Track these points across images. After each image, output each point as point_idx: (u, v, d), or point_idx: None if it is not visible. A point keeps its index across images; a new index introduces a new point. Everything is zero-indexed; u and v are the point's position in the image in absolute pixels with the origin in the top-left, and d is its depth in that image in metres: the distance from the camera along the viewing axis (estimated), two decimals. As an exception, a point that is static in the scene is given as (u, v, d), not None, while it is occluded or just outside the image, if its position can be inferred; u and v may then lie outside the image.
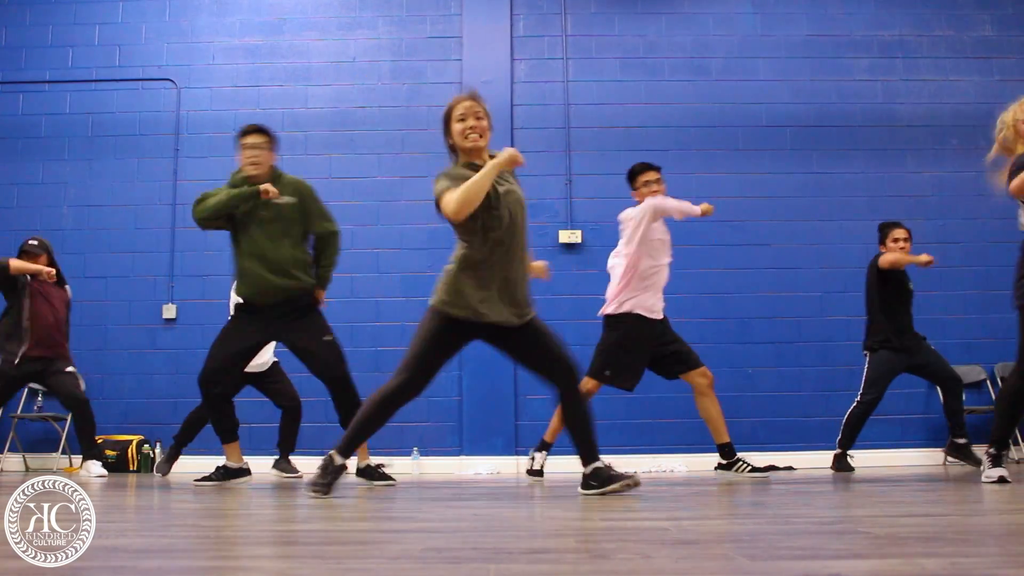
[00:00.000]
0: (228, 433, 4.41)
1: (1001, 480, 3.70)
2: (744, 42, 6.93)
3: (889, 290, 5.44)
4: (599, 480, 3.33)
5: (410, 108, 6.85)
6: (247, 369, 4.65)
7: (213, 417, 4.40)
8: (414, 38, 6.95)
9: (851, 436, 5.48)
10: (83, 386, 5.56)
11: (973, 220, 6.43)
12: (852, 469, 5.43)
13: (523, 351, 3.38)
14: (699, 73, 6.87)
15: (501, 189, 3.29)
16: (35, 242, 5.53)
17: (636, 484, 3.36)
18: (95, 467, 5.38)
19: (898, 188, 6.70)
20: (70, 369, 5.47)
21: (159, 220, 6.73)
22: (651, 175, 4.78)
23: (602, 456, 3.39)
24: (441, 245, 6.62)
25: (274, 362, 5.45)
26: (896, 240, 5.53)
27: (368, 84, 6.91)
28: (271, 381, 5.41)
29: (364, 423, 3.27)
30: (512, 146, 6.66)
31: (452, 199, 3.14)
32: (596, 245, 6.49)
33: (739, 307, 6.51)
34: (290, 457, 5.41)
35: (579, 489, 3.38)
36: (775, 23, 6.95)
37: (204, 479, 4.47)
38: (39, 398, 6.36)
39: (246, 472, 4.53)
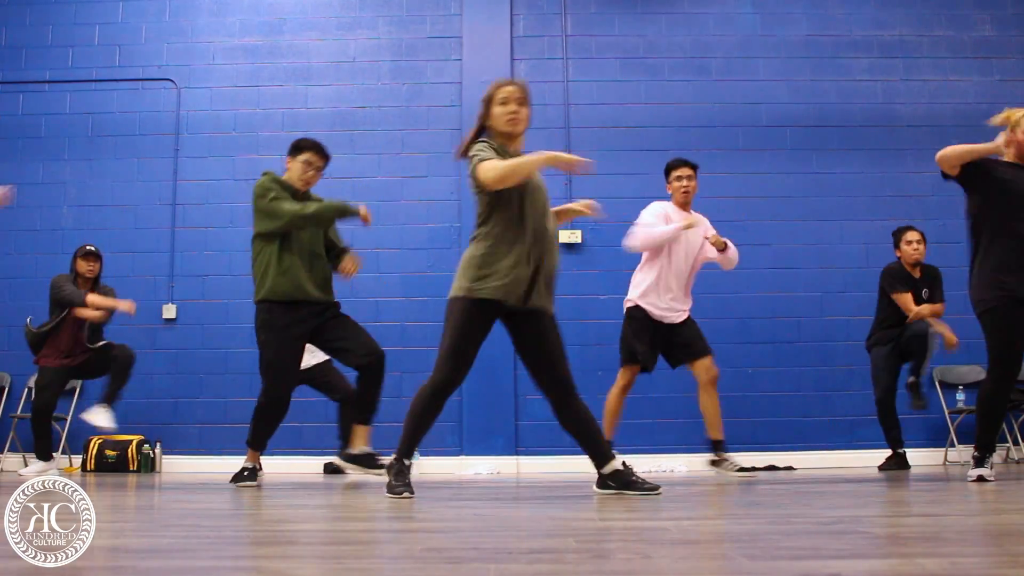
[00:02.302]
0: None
1: (980, 479, 3.77)
2: (744, 42, 6.93)
3: None
4: None
5: (410, 108, 6.86)
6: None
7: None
8: (414, 38, 6.95)
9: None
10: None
11: (973, 220, 6.42)
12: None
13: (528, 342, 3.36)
14: (699, 73, 6.87)
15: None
16: (92, 248, 5.77)
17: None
18: (103, 413, 5.51)
19: (898, 188, 6.70)
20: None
21: (159, 220, 6.73)
22: (683, 171, 4.90)
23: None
24: (441, 245, 6.67)
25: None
26: (909, 243, 5.69)
27: (368, 84, 6.91)
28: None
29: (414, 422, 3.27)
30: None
31: (494, 167, 3.15)
32: (596, 245, 6.49)
33: (739, 307, 6.50)
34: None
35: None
36: (775, 23, 6.95)
37: (239, 478, 4.40)
38: (39, 398, 6.35)
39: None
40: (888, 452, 5.57)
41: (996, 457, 6.10)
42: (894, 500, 3.07)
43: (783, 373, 6.45)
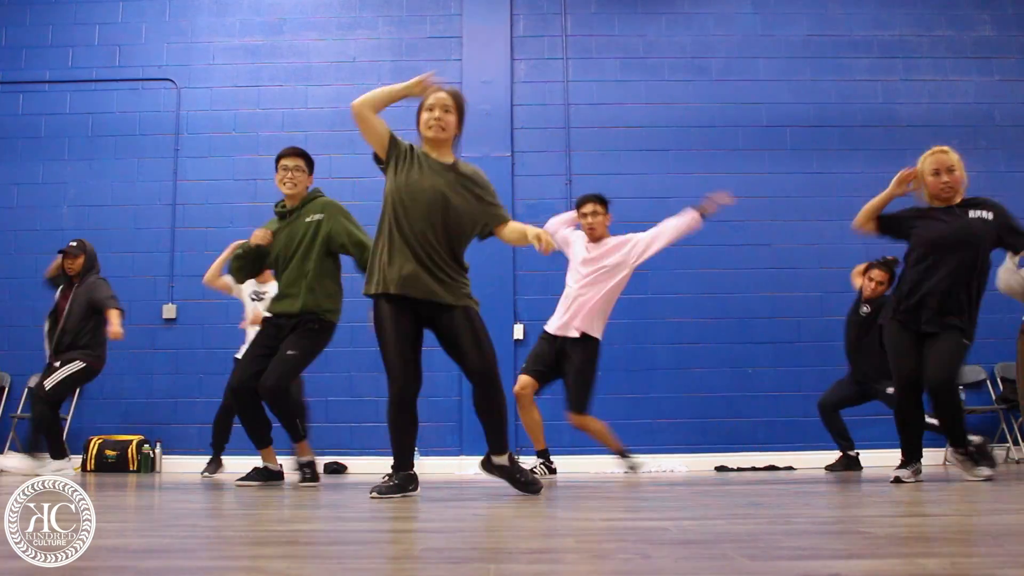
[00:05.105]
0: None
1: (896, 480, 4.13)
2: (744, 42, 6.93)
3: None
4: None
5: (410, 108, 6.83)
6: None
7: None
8: (414, 38, 6.95)
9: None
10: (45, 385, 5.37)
11: (973, 220, 6.43)
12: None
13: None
14: (699, 73, 6.88)
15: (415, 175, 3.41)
16: (74, 243, 5.54)
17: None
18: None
19: (898, 188, 6.69)
20: (56, 364, 5.36)
21: (159, 220, 6.73)
22: (587, 207, 4.87)
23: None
24: (441, 245, 6.66)
25: None
26: (871, 280, 5.68)
27: (368, 84, 6.85)
28: None
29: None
30: (512, 146, 6.69)
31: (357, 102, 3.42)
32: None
33: (739, 307, 6.50)
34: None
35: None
36: (775, 23, 6.95)
37: (244, 479, 4.44)
38: (39, 398, 6.34)
39: (281, 475, 4.53)
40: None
41: (1014, 452, 6.13)
42: (894, 500, 3.07)
43: (783, 373, 6.45)
